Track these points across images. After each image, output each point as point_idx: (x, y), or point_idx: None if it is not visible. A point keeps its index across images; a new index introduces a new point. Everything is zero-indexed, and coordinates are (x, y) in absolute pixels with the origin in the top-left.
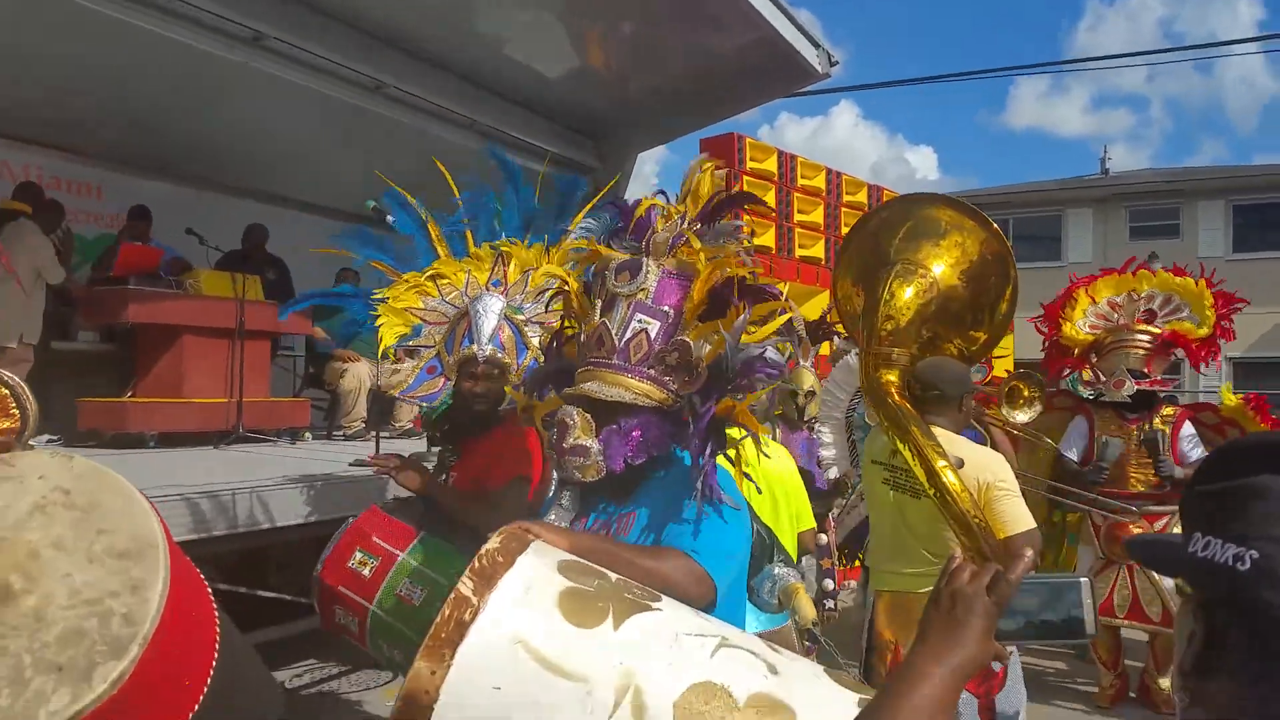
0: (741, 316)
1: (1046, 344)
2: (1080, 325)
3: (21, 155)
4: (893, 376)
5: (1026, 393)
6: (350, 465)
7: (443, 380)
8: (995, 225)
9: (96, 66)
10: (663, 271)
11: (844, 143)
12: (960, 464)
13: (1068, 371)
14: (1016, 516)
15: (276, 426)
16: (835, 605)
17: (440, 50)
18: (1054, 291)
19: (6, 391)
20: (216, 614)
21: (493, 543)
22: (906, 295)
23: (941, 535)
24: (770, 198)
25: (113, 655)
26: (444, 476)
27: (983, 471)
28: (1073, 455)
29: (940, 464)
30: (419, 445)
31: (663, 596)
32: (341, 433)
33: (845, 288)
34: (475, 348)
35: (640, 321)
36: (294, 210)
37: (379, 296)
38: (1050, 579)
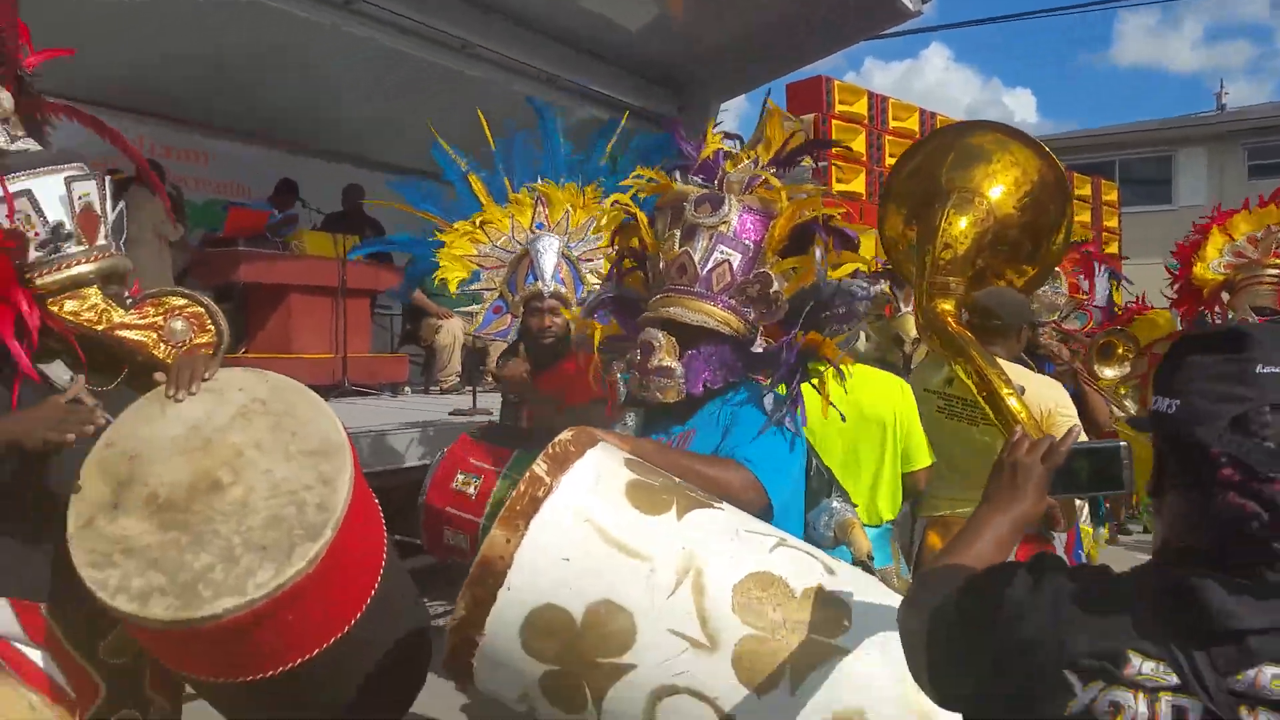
0: (821, 252)
1: (1178, 286)
2: (1214, 265)
3: (136, 127)
4: (948, 306)
5: (1121, 349)
6: (450, 415)
7: (510, 318)
8: (1048, 150)
9: (199, 39)
10: (743, 207)
11: (935, 87)
12: (1022, 391)
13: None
14: None
15: (378, 381)
16: None
17: (521, 7)
18: (1164, 236)
19: (203, 310)
20: (382, 518)
21: (565, 435)
22: (962, 225)
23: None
24: (860, 142)
25: (309, 537)
26: (517, 414)
27: (1044, 399)
28: None
29: (1004, 390)
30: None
31: (723, 501)
32: (438, 386)
33: (895, 226)
34: (540, 284)
35: (722, 252)
36: (381, 173)
37: (437, 241)
38: (1095, 444)
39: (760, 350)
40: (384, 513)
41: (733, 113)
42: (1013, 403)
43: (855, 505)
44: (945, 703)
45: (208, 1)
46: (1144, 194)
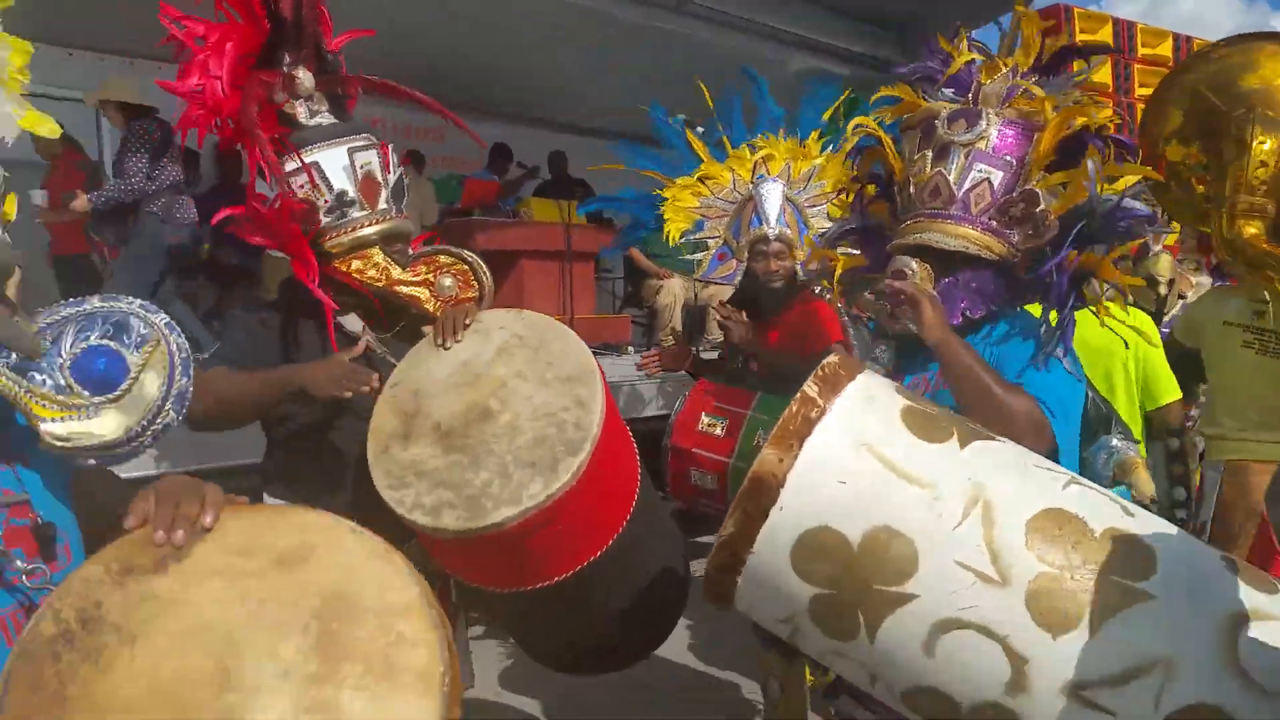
0: (1094, 164)
1: None
2: None
3: (372, 109)
4: (1256, 229)
5: None
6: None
7: (735, 262)
8: None
9: (425, 22)
10: (1003, 120)
11: (1192, 14)
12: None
13: None
14: None
15: (604, 341)
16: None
17: None
18: None
19: (468, 268)
20: (631, 437)
21: (832, 358)
22: (1268, 145)
23: None
24: (1105, 73)
25: (570, 452)
26: (743, 361)
27: None
28: None
29: None
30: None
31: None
32: (659, 345)
33: (1176, 150)
34: (765, 228)
35: (981, 171)
36: (590, 138)
37: (663, 195)
38: None
39: (1028, 275)
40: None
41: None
42: None
43: (1138, 442)
44: None
45: None
46: None
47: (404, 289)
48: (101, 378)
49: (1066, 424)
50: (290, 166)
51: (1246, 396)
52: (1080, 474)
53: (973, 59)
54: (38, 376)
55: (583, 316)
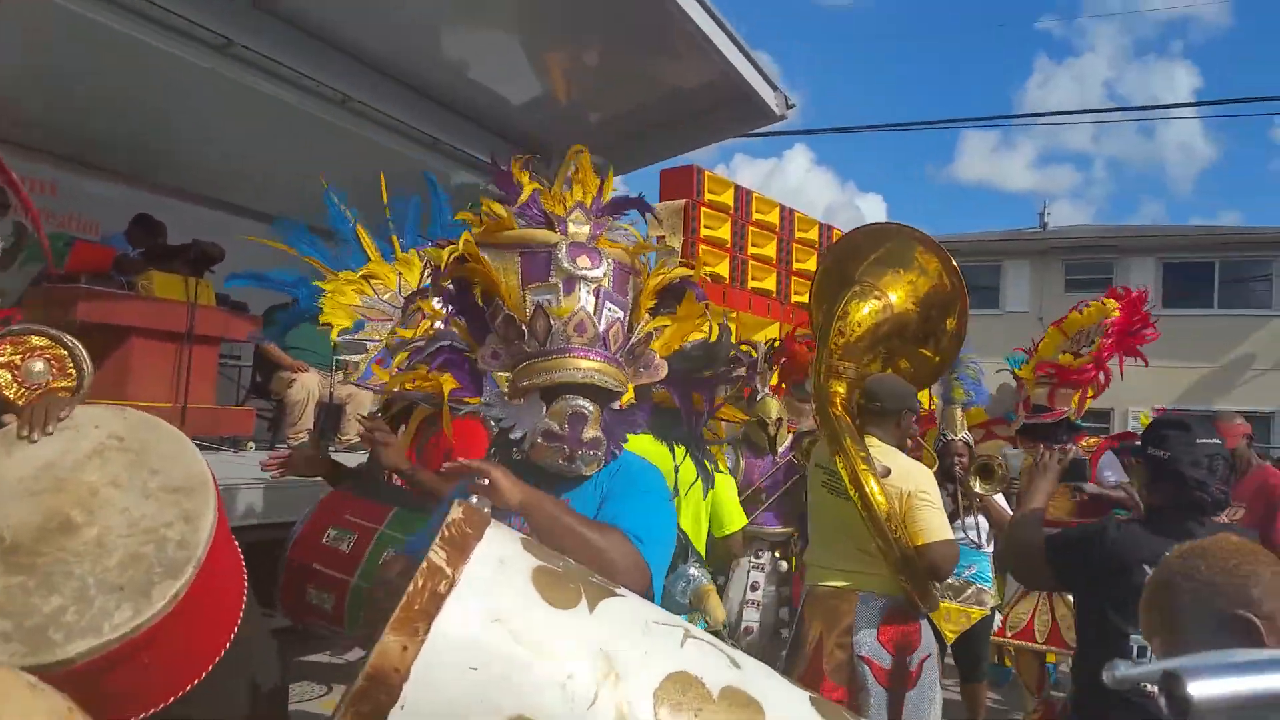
0: (712, 313)
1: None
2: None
3: None
4: (840, 388)
5: (999, 473)
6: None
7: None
8: (954, 263)
9: (55, 64)
10: (614, 261)
11: (797, 186)
12: (886, 472)
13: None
14: (931, 527)
15: (220, 434)
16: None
17: (408, 69)
18: (991, 338)
19: (66, 354)
20: (242, 560)
21: (456, 512)
22: (862, 313)
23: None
24: (726, 230)
25: (169, 575)
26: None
27: (906, 481)
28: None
29: (863, 469)
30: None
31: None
32: (286, 444)
33: (816, 314)
34: None
35: (611, 310)
36: (249, 220)
37: (323, 286)
38: None
39: (643, 413)
40: None
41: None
42: (871, 484)
43: (709, 571)
44: (1060, 577)
45: (74, 30)
46: (976, 299)
47: None
48: None
49: (667, 552)
50: None
51: (826, 530)
52: (660, 602)
53: (537, 187)
54: None
55: (200, 406)
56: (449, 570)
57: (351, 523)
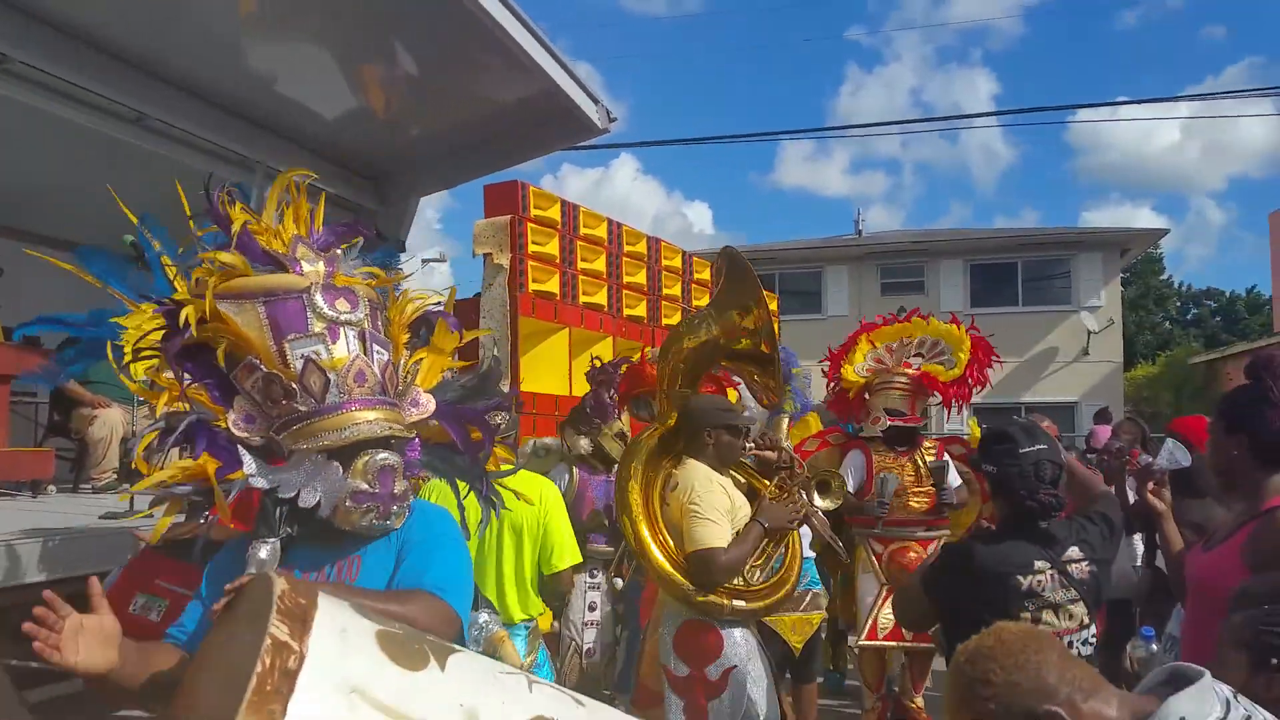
0: (485, 347)
1: (832, 386)
2: (858, 369)
3: None
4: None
5: (835, 485)
6: (101, 519)
7: None
8: (755, 277)
9: None
10: (367, 299)
11: (625, 195)
12: (675, 485)
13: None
14: (693, 536)
15: (16, 479)
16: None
17: (210, 84)
18: (815, 342)
19: None
20: None
21: (280, 584)
22: (684, 343)
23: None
24: (555, 245)
25: None
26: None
27: (684, 493)
28: (849, 486)
29: (632, 489)
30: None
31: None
32: (90, 485)
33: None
34: None
35: (379, 352)
36: (43, 246)
37: (122, 324)
38: None
39: (416, 454)
40: (5, 636)
41: (434, 206)
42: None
43: (499, 614)
44: (943, 605)
45: None
46: (799, 304)
47: None
48: None
49: (469, 596)
50: None
51: None
52: None
53: (247, 219)
54: None
55: None
56: (295, 645)
57: (164, 589)
